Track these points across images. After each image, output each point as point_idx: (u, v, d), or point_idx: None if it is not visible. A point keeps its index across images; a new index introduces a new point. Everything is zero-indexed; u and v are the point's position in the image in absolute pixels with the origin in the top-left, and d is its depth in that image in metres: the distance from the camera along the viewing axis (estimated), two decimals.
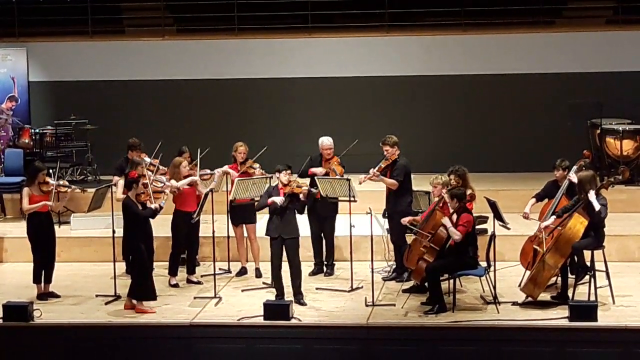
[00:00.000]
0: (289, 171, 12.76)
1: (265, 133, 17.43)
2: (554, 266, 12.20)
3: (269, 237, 12.70)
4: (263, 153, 13.89)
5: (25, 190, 13.08)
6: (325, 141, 13.97)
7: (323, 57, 18.54)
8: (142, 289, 12.49)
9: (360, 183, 13.50)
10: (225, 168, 13.94)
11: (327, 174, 13.67)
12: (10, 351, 12.20)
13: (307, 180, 13.56)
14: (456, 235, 12.11)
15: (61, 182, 13.41)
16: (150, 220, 12.82)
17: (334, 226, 13.97)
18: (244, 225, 13.97)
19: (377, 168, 13.32)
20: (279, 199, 12.54)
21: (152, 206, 12.54)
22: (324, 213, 13.74)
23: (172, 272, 13.62)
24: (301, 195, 12.63)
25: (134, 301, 12.55)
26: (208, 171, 13.94)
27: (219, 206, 13.80)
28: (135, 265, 12.54)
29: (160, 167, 14.09)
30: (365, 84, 18.45)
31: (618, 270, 13.23)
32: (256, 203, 12.93)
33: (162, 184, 13.22)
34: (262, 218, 14.02)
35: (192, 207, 13.43)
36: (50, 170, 13.40)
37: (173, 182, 13.36)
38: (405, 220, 12.99)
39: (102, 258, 14.48)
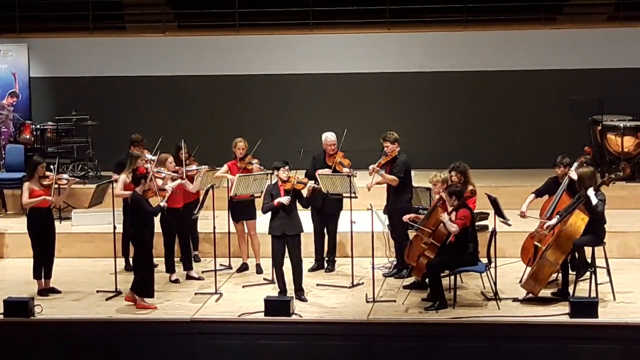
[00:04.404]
0: (287, 167, 12.75)
1: (266, 129, 17.41)
2: (555, 262, 12.20)
3: (270, 235, 12.68)
4: (263, 148, 13.86)
5: (26, 184, 13.05)
6: (330, 137, 13.92)
7: (324, 54, 18.52)
8: (145, 285, 12.48)
9: (369, 189, 13.48)
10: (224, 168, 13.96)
11: (334, 169, 13.65)
12: (11, 347, 12.20)
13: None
14: (453, 227, 12.08)
15: (61, 175, 13.41)
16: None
17: (337, 223, 13.98)
18: (244, 222, 13.98)
19: (376, 164, 13.32)
20: (285, 199, 12.51)
21: (162, 204, 12.57)
22: (329, 210, 13.72)
23: (170, 268, 13.63)
24: (305, 192, 12.63)
25: (136, 296, 12.56)
26: (194, 167, 13.88)
27: (220, 202, 13.80)
28: (141, 260, 12.53)
29: None
30: (366, 80, 18.44)
31: (619, 266, 13.23)
32: (263, 206, 12.78)
33: (165, 175, 13.23)
34: (262, 214, 14.04)
35: (179, 203, 13.44)
36: (51, 166, 13.37)
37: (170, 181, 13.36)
38: (406, 218, 12.98)
39: (103, 254, 14.48)
